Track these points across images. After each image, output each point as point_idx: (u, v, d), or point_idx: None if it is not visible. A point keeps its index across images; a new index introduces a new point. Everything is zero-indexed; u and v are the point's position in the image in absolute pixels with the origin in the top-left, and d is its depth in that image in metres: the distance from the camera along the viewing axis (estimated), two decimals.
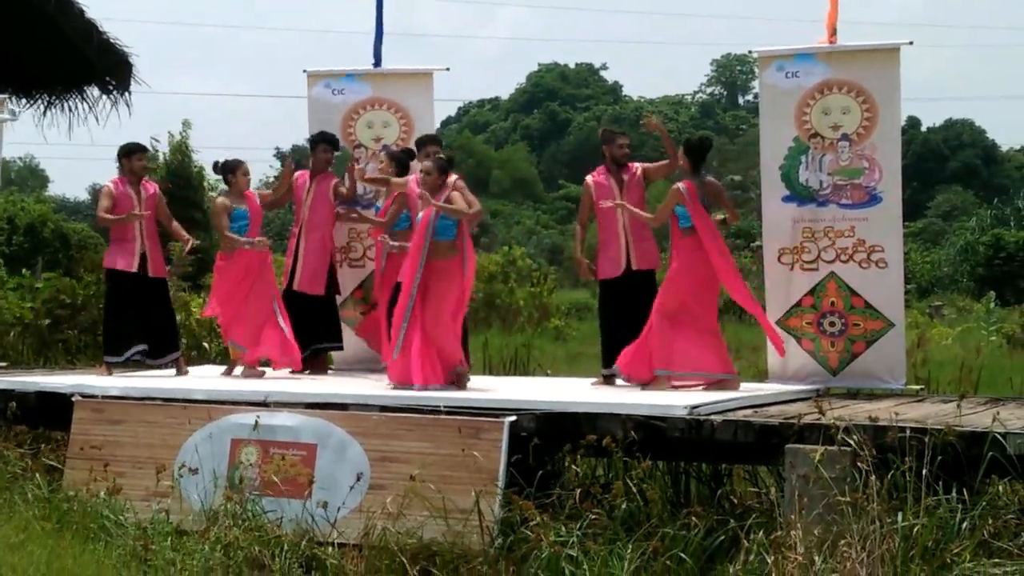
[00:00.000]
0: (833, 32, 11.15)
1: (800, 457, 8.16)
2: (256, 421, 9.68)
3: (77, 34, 15.91)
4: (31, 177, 74.55)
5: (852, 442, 8.08)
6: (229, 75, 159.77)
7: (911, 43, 11.06)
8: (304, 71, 13.23)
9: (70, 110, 17.44)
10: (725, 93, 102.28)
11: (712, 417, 9.04)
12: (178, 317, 16.25)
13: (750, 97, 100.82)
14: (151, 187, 12.67)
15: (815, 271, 11.17)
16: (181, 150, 36.60)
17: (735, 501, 9.57)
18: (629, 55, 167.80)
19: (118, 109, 17.07)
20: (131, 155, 12.50)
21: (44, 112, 17.36)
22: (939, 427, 8.18)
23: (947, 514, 7.69)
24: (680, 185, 10.78)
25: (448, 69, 13.09)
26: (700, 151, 11.00)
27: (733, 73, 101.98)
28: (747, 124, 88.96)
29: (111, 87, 16.96)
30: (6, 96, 15.15)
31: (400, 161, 11.83)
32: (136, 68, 16.89)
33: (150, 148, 12.80)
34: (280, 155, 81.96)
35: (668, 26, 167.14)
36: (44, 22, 15.70)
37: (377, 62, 13.04)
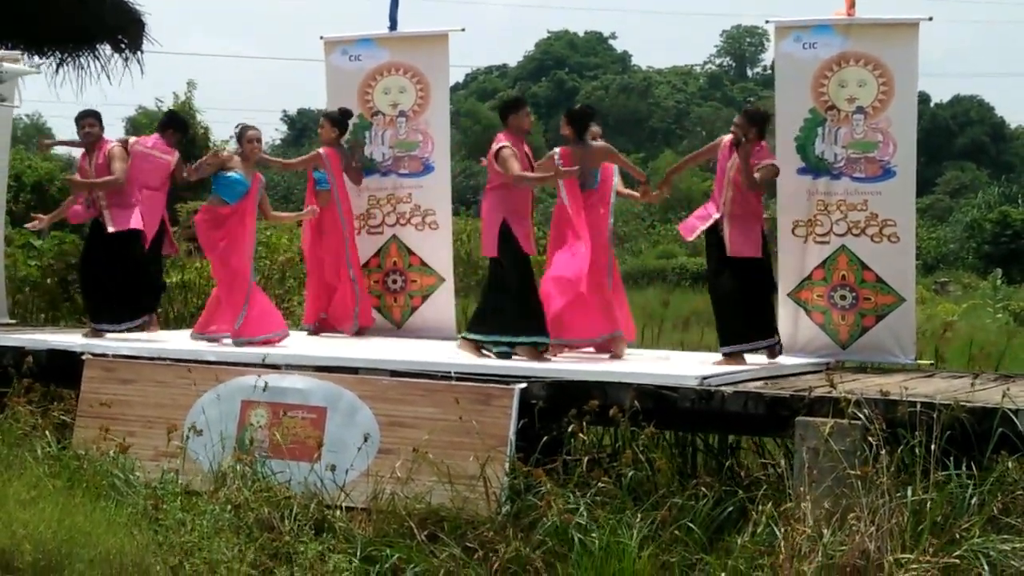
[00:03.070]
0: (852, 4, 11.09)
1: (810, 429, 8.17)
2: (266, 383, 9.68)
3: None
4: (37, 135, 74.44)
5: (862, 416, 8.09)
6: (237, 36, 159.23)
7: (931, 19, 10.99)
8: (321, 38, 13.20)
9: (81, 68, 17.40)
10: (734, 65, 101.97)
11: (723, 388, 9.06)
12: (182, 278, 16.32)
13: (759, 69, 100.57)
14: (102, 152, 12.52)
15: (826, 244, 11.14)
16: (185, 111, 36.56)
17: (742, 473, 9.57)
18: (638, 24, 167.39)
19: (130, 68, 17.03)
20: (78, 121, 12.64)
21: (56, 69, 17.32)
22: (948, 402, 8.18)
23: (956, 489, 7.70)
24: (556, 151, 10.96)
25: (463, 30, 13.02)
26: (581, 119, 11.07)
27: (742, 45, 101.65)
28: (755, 96, 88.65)
29: (123, 45, 16.90)
30: (19, 52, 15.08)
31: (338, 123, 12.66)
32: (148, 27, 16.86)
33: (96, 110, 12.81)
34: (286, 118, 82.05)
35: None
36: None
37: (393, 26, 13.00)
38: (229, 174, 11.64)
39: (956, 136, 76.22)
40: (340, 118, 12.69)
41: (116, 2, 16.28)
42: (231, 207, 11.56)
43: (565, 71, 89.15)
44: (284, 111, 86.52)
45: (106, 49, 17.12)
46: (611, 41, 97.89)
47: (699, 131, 74.28)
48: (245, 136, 11.84)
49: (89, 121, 12.35)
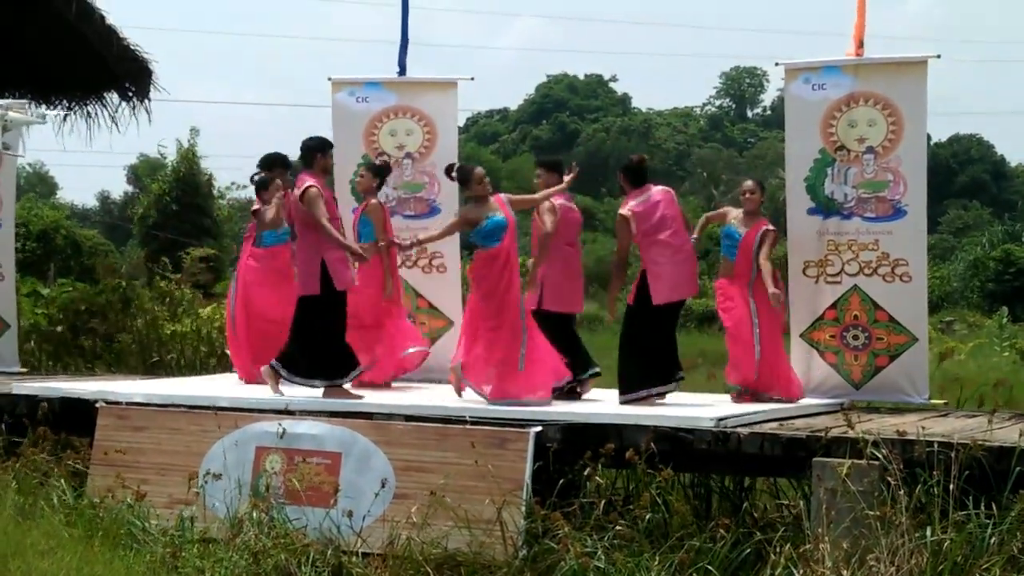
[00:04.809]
0: (860, 44, 11.13)
1: (827, 470, 8.14)
2: (284, 430, 9.67)
3: (98, 40, 15.95)
4: (40, 183, 74.59)
5: (880, 456, 8.07)
6: (238, 83, 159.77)
7: (939, 56, 11.05)
8: (329, 79, 13.22)
9: (89, 116, 17.49)
10: (734, 106, 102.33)
11: (739, 429, 9.04)
12: (191, 325, 16.30)
13: (759, 110, 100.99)
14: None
15: (838, 284, 11.15)
16: (189, 158, 36.66)
17: (757, 514, 9.54)
18: (638, 67, 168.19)
19: (137, 116, 17.11)
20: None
21: (64, 118, 17.40)
22: (966, 442, 8.16)
23: (976, 529, 7.69)
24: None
25: (472, 79, 13.09)
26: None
27: (742, 86, 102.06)
28: (755, 137, 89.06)
29: (131, 93, 16.99)
30: (26, 101, 15.17)
31: (379, 173, 12.08)
32: (155, 75, 16.94)
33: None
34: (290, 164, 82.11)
35: (677, 39, 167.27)
36: (64, 27, 15.73)
37: (402, 71, 13.04)
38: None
39: (957, 175, 76.45)
40: (380, 169, 12.14)
41: (123, 50, 16.40)
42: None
43: (566, 114, 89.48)
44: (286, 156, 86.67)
45: (114, 97, 17.26)
46: (611, 84, 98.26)
47: (700, 172, 74.47)
48: (474, 177, 10.88)
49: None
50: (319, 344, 10.73)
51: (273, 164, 12.64)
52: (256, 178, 12.59)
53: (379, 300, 11.82)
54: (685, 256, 10.66)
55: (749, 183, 11.24)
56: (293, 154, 12.45)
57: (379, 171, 12.08)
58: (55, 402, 10.74)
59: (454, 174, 11.02)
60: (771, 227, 10.96)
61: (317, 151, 11.00)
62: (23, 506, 8.87)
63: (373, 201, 11.90)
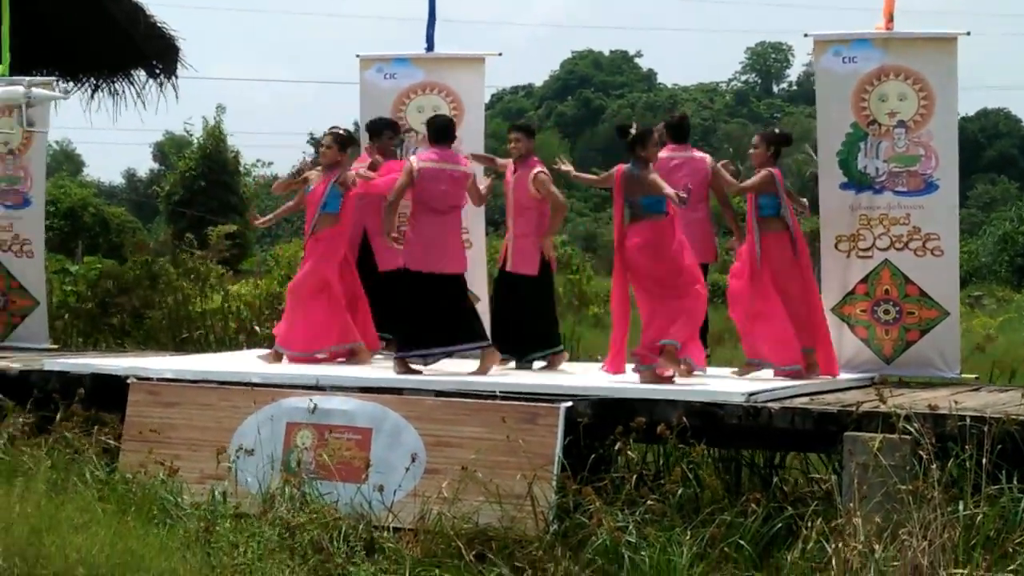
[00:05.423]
0: (890, 18, 11.08)
1: (859, 445, 8.13)
2: (315, 405, 9.70)
3: (124, 17, 16.01)
4: (66, 161, 74.88)
5: (912, 430, 8.05)
6: (264, 59, 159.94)
7: (968, 34, 11.00)
8: (357, 56, 13.23)
9: (116, 93, 17.55)
10: (759, 81, 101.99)
11: (770, 404, 9.02)
12: (217, 301, 16.34)
13: (784, 85, 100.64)
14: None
15: (869, 258, 11.13)
16: (215, 135, 36.75)
17: (787, 489, 9.53)
18: (664, 42, 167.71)
19: (164, 93, 17.17)
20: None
21: (91, 95, 17.47)
22: (999, 416, 8.13)
23: (1009, 503, 7.67)
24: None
25: (500, 54, 13.07)
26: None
27: (768, 61, 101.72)
28: (781, 112, 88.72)
29: (158, 71, 17.03)
30: (54, 78, 15.21)
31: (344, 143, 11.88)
32: (182, 52, 16.98)
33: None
34: (313, 141, 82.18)
35: (703, 13, 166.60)
36: (92, 4, 15.79)
37: (430, 47, 13.03)
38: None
39: (984, 149, 76.09)
40: (346, 140, 11.98)
41: (150, 27, 16.45)
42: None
43: (591, 90, 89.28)
44: (311, 134, 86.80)
45: (141, 75, 17.31)
46: (636, 59, 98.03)
47: (726, 148, 74.22)
48: (651, 140, 10.27)
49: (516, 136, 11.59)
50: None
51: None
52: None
53: None
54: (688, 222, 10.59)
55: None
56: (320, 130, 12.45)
57: (344, 142, 11.95)
58: (86, 378, 10.79)
59: (633, 130, 10.20)
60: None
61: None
62: (56, 481, 8.91)
63: (350, 172, 11.75)
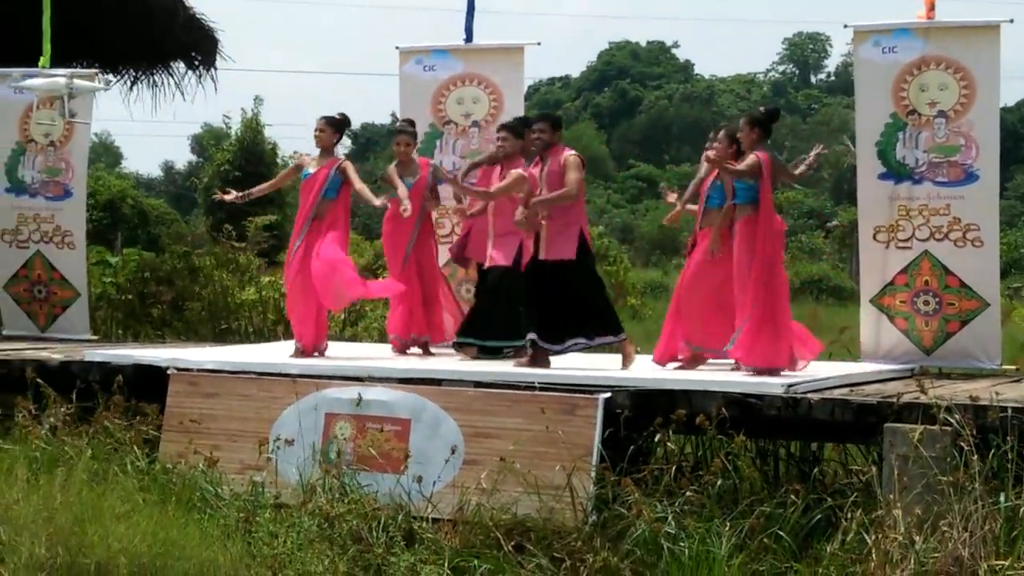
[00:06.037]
0: (932, 7, 11.02)
1: (899, 436, 8.11)
2: (356, 396, 9.71)
3: (164, 9, 16.07)
4: (105, 153, 75.27)
5: (953, 421, 8.02)
6: (301, 51, 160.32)
7: (1011, 21, 10.92)
8: (396, 48, 13.25)
9: (155, 85, 17.63)
10: (797, 72, 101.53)
11: (809, 395, 8.99)
12: (253, 293, 16.36)
13: (822, 76, 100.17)
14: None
15: (909, 249, 11.07)
16: (253, 127, 36.81)
17: (827, 481, 9.51)
18: (701, 33, 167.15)
19: (203, 85, 17.23)
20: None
21: (131, 87, 17.55)
22: None
23: None
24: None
25: (539, 44, 13.13)
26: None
27: (805, 51, 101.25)
28: (819, 103, 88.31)
29: (197, 63, 17.10)
30: (96, 71, 15.28)
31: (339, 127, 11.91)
32: (221, 44, 17.03)
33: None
34: (351, 133, 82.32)
35: (740, 4, 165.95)
36: None
37: (469, 38, 13.04)
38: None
39: None
40: (341, 123, 11.96)
41: (189, 19, 16.51)
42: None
43: (628, 81, 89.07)
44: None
45: (180, 66, 17.39)
46: (673, 50, 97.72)
47: None
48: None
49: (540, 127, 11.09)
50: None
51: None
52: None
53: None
54: None
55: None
56: (357, 121, 12.45)
57: (340, 125, 11.94)
58: (127, 369, 10.85)
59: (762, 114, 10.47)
60: None
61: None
62: (97, 471, 8.96)
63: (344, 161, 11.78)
